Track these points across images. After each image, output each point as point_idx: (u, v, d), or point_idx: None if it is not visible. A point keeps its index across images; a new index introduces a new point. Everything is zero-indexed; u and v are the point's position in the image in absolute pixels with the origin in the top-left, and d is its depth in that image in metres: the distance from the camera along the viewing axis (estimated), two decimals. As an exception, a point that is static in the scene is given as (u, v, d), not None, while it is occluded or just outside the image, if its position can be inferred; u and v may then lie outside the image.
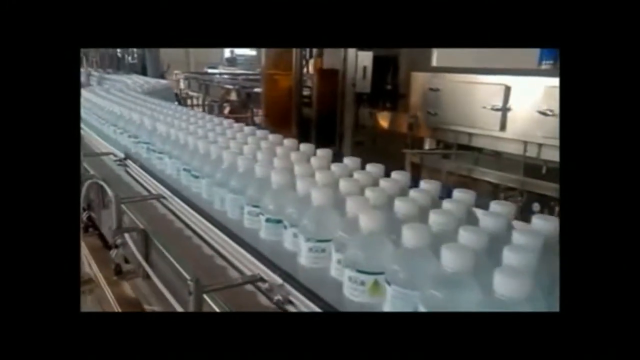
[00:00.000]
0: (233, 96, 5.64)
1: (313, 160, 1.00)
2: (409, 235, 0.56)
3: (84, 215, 1.31)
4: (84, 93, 2.31)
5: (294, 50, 3.78)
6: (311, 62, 4.03)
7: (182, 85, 6.43)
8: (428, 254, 0.56)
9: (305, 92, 3.95)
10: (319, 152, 1.07)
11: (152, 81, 2.71)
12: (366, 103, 3.53)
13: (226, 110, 5.58)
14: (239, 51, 11.61)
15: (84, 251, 1.33)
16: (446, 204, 0.70)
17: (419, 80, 2.91)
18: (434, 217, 0.63)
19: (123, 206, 1.12)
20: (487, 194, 2.66)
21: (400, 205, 0.66)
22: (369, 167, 0.94)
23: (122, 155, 1.57)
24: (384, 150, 3.46)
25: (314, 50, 3.69)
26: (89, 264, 1.33)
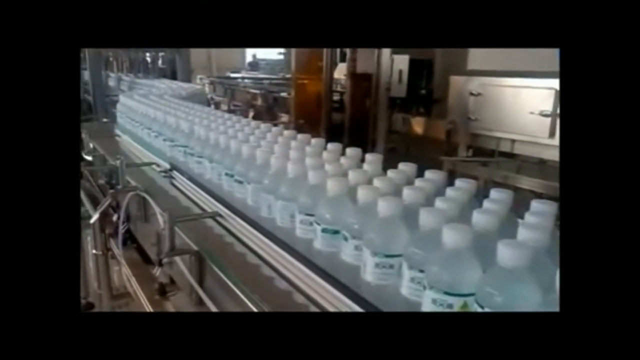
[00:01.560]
0: (259, 101, 5.67)
1: (365, 166, 0.96)
2: (507, 253, 0.50)
3: (123, 228, 1.29)
4: (121, 99, 2.28)
5: (324, 53, 3.76)
6: (340, 66, 4.01)
7: (206, 89, 6.51)
8: (525, 275, 0.51)
9: (335, 97, 3.93)
10: (369, 157, 1.03)
11: (185, 86, 2.72)
12: (400, 108, 3.47)
13: (250, 115, 5.61)
14: (261, 55, 11.73)
15: (124, 266, 1.31)
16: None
17: (458, 84, 2.84)
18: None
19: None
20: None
21: (484, 219, 0.61)
22: (428, 173, 0.89)
23: (167, 166, 1.52)
24: (418, 157, 3.39)
25: (347, 54, 3.66)
26: (128, 280, 1.31)
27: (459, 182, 0.81)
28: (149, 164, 1.62)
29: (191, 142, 1.39)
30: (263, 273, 0.92)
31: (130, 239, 1.45)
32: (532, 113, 2.34)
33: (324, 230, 0.79)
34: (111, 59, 3.88)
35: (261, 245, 0.96)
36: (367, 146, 3.44)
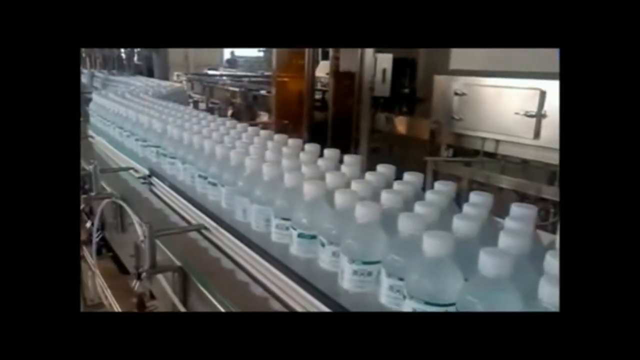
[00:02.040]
0: (238, 99, 5.60)
1: (344, 168, 0.93)
2: (490, 262, 0.48)
3: (97, 236, 1.23)
4: (96, 98, 2.18)
5: (306, 52, 3.72)
6: (322, 64, 3.98)
7: (184, 87, 6.41)
8: (506, 283, 0.49)
9: (317, 96, 3.90)
10: (347, 158, 1.00)
11: (164, 84, 2.64)
12: (383, 107, 3.46)
13: (229, 113, 5.54)
14: (239, 52, 11.58)
15: (98, 277, 1.25)
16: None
17: (442, 83, 2.83)
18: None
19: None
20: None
21: (465, 225, 0.58)
22: (407, 176, 0.86)
23: (145, 172, 1.43)
24: (401, 157, 3.38)
25: (329, 52, 3.63)
26: (103, 291, 1.24)
27: (438, 185, 0.79)
28: (126, 169, 1.55)
29: (164, 142, 1.34)
30: (238, 278, 0.89)
31: (105, 247, 1.39)
32: (517, 114, 2.35)
33: (300, 236, 0.76)
34: (84, 54, 3.77)
35: (237, 250, 0.93)
36: (349, 146, 3.42)
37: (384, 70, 3.25)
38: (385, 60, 3.25)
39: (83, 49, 3.65)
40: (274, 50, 3.98)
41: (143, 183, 1.38)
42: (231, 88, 5.76)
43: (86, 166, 1.43)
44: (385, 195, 0.71)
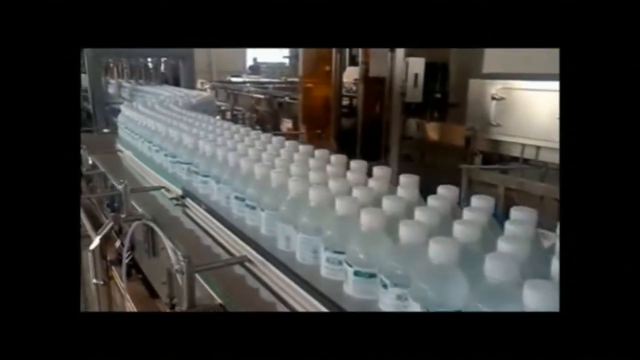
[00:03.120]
0: (263, 105, 5.57)
1: (400, 191, 0.83)
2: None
3: (127, 257, 1.17)
4: (124, 110, 2.10)
5: (333, 58, 3.65)
6: (348, 69, 3.90)
7: (212, 96, 6.40)
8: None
9: (344, 102, 3.82)
10: (403, 179, 0.90)
11: (193, 93, 2.58)
12: (414, 113, 3.35)
13: (254, 120, 5.50)
14: (262, 58, 11.64)
15: (128, 301, 1.18)
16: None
17: (478, 87, 2.71)
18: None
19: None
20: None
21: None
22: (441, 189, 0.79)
23: (178, 191, 1.33)
24: (434, 165, 3.26)
25: (357, 57, 3.55)
26: None
27: (475, 201, 0.72)
28: (157, 188, 1.45)
29: (195, 159, 1.27)
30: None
31: (134, 268, 1.32)
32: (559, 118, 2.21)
33: (356, 274, 0.67)
34: (111, 64, 3.78)
35: (279, 283, 0.84)
36: (380, 153, 3.33)
37: (416, 75, 3.14)
38: (417, 64, 3.15)
39: (111, 60, 3.66)
40: (300, 56, 3.92)
41: (176, 204, 1.30)
42: (256, 95, 5.73)
43: (116, 185, 1.37)
44: (458, 228, 0.62)
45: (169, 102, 2.19)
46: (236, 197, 1.03)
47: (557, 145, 2.34)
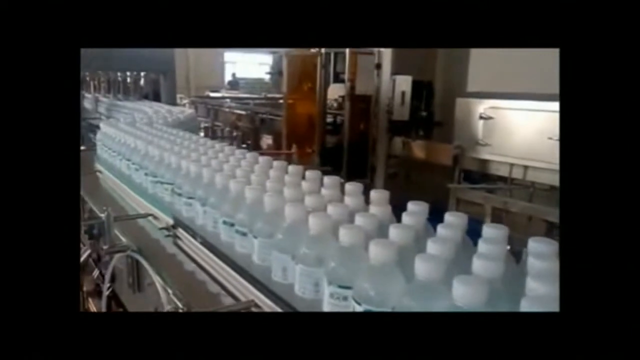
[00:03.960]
0: (245, 122, 5.50)
1: (405, 218, 0.77)
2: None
3: (106, 289, 1.07)
4: (104, 127, 1.92)
5: (317, 75, 3.63)
6: (332, 86, 3.87)
7: (194, 113, 6.30)
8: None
9: (328, 119, 3.79)
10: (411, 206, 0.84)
11: (175, 110, 2.48)
12: (400, 131, 3.34)
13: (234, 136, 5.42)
14: (241, 74, 11.63)
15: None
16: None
17: (465, 106, 2.71)
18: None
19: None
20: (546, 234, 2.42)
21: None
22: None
23: (169, 221, 1.18)
24: (420, 184, 3.24)
25: (343, 74, 3.53)
26: None
27: (448, 217, 0.71)
28: (144, 215, 1.30)
29: (178, 179, 1.19)
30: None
31: (114, 301, 1.20)
32: (550, 138, 2.21)
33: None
34: (87, 78, 3.66)
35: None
36: (365, 172, 3.29)
37: (403, 93, 3.13)
38: (404, 82, 3.14)
39: (86, 73, 3.55)
40: (284, 72, 3.89)
41: (167, 236, 1.15)
42: (237, 111, 5.67)
43: (98, 212, 1.26)
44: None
45: (157, 120, 2.06)
46: (224, 222, 0.96)
47: (546, 165, 2.34)
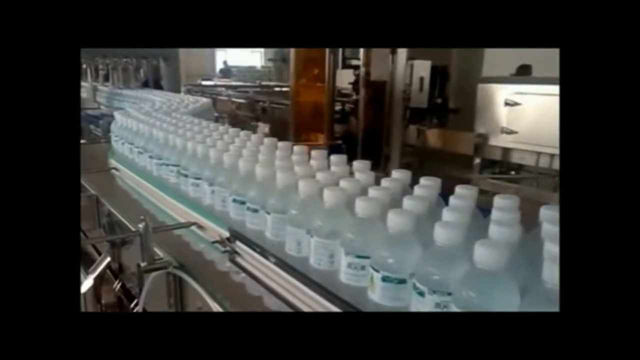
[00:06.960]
0: (244, 110, 5.53)
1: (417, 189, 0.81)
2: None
3: (141, 308, 0.97)
4: (119, 118, 1.79)
5: (326, 59, 3.64)
6: (340, 73, 3.88)
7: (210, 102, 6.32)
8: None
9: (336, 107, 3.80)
10: (423, 181, 0.88)
11: (190, 99, 2.47)
12: (415, 119, 3.35)
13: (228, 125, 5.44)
14: (233, 62, 11.67)
15: None
16: None
17: (490, 92, 2.71)
18: None
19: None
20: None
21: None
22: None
23: (224, 234, 0.99)
24: (436, 174, 3.25)
25: (358, 58, 3.54)
26: None
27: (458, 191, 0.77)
28: (187, 225, 1.12)
29: (220, 177, 1.07)
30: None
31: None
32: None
33: (385, 279, 0.64)
34: (84, 65, 3.70)
35: (291, 289, 0.80)
36: (380, 162, 3.31)
37: (421, 79, 3.13)
38: (422, 67, 3.12)
39: (84, 61, 3.58)
40: (292, 58, 3.91)
41: (224, 252, 0.97)
42: (236, 99, 5.70)
43: (118, 214, 1.22)
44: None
45: (179, 108, 1.99)
46: (234, 200, 1.00)
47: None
